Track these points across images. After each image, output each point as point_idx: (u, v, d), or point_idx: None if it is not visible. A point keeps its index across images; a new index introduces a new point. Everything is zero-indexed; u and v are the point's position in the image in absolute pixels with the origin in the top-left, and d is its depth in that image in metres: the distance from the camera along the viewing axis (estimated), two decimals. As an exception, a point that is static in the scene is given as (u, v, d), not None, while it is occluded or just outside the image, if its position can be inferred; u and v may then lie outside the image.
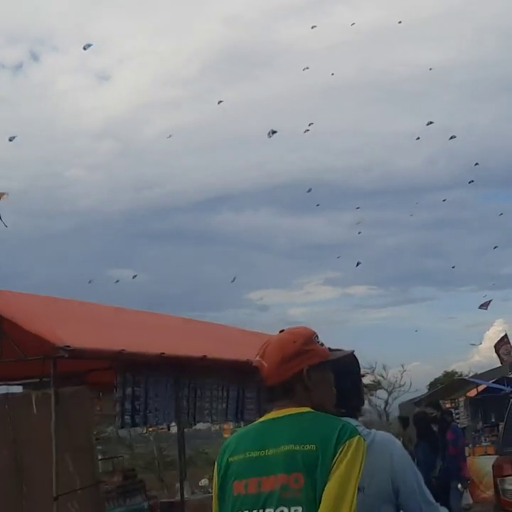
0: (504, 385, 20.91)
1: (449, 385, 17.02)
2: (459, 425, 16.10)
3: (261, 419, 2.32)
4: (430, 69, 31.86)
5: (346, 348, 2.79)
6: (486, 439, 17.34)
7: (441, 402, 17.19)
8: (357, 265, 26.02)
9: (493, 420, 18.73)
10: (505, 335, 31.60)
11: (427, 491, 2.59)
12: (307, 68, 23.80)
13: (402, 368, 36.91)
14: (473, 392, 19.38)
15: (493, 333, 29.73)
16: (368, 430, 2.57)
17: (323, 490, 2.03)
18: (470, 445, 17.01)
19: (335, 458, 2.06)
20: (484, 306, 25.06)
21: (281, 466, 2.10)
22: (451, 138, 23.88)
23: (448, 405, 17.27)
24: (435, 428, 10.89)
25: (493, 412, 18.94)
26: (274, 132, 17.85)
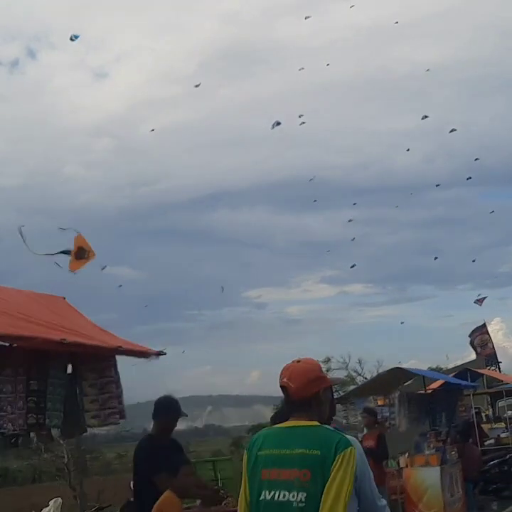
0: (466, 380, 17.33)
1: (386, 376, 13.21)
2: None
3: (282, 425, 3.43)
4: (427, 70, 35.24)
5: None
6: (429, 446, 13.62)
7: (373, 398, 13.46)
8: (352, 267, 27.94)
9: (441, 422, 15.07)
10: (484, 324, 29.13)
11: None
12: (303, 68, 25.16)
13: (378, 363, 34.78)
14: (437, 384, 15.80)
15: (491, 332, 28.33)
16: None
17: (324, 484, 3.14)
18: (406, 454, 13.35)
19: (334, 463, 3.17)
20: (479, 301, 25.94)
21: (295, 463, 3.22)
22: (451, 131, 24.00)
23: (380, 402, 13.52)
24: None
25: (444, 411, 15.22)
26: (278, 123, 18.03)
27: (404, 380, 14.35)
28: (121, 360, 8.15)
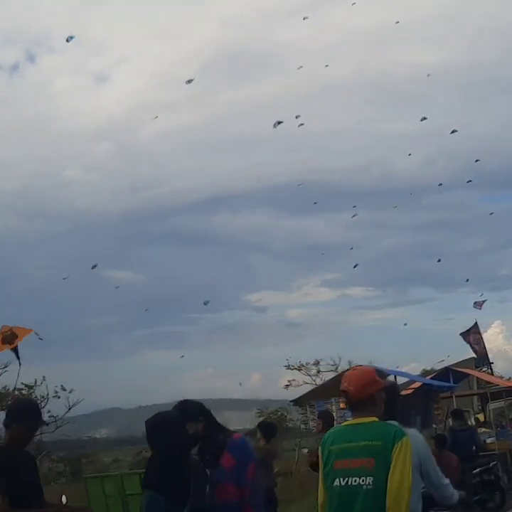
0: (448, 381, 15.91)
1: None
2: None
3: (347, 423, 4.20)
4: (428, 75, 35.97)
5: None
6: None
7: (335, 400, 12.01)
8: (354, 267, 28.49)
9: (416, 427, 13.48)
10: (476, 323, 28.17)
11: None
12: (301, 67, 25.28)
13: (370, 363, 33.99)
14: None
15: (491, 335, 28.46)
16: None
17: (386, 469, 3.79)
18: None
19: (393, 450, 3.82)
20: (478, 305, 26.06)
21: (361, 453, 3.88)
22: (452, 132, 24.83)
23: (343, 405, 12.03)
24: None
25: (419, 415, 13.73)
26: (279, 123, 18.33)
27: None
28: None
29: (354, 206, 39.54)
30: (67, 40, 17.66)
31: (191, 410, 5.23)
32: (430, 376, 17.23)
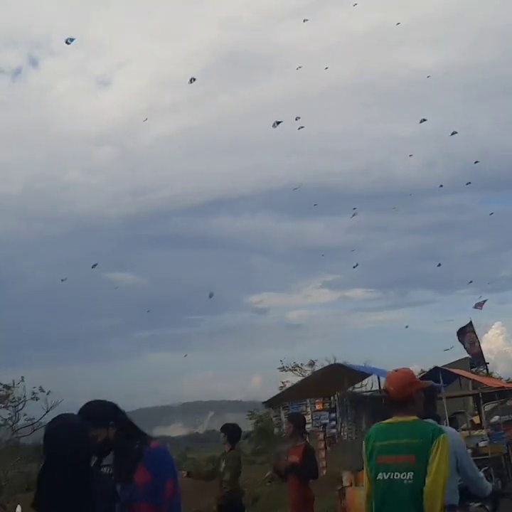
0: (437, 381, 15.03)
1: (325, 374, 10.88)
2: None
3: (389, 421, 4.37)
4: (428, 76, 37.35)
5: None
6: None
7: (310, 401, 11.18)
8: (354, 267, 28.12)
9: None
10: (470, 322, 27.60)
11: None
12: (300, 67, 25.13)
13: (365, 365, 33.12)
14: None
15: (492, 336, 27.95)
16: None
17: (426, 464, 4.07)
18: (351, 470, 11.05)
19: (432, 447, 4.10)
20: (479, 305, 25.66)
21: (402, 450, 4.15)
22: (453, 133, 24.37)
23: (319, 406, 11.20)
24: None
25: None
26: (278, 122, 18.43)
27: (349, 379, 12.02)
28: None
29: (354, 208, 39.14)
30: (67, 43, 17.59)
31: (99, 413, 4.31)
32: (418, 377, 16.36)
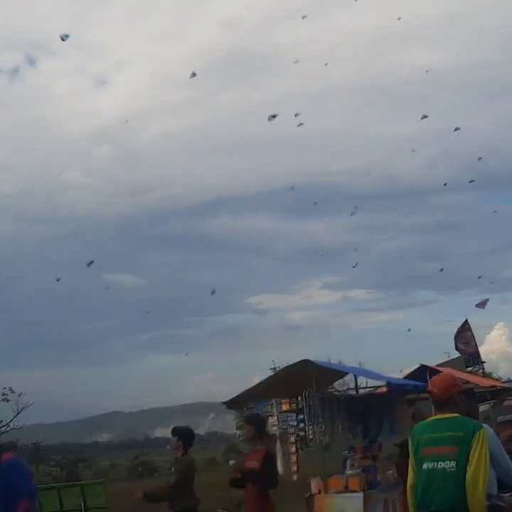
0: (424, 380, 14.06)
1: (293, 372, 9.92)
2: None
3: (433, 418, 4.90)
4: (427, 71, 33.41)
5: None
6: (352, 466, 10.33)
7: (276, 401, 10.22)
8: (354, 267, 28.02)
9: (381, 433, 11.73)
10: (466, 321, 27.21)
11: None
12: (297, 61, 26.85)
13: (359, 365, 33.19)
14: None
15: (494, 336, 27.28)
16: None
17: (467, 455, 4.55)
18: (320, 476, 10.10)
19: (473, 440, 4.58)
20: (481, 305, 25.07)
21: (446, 442, 4.64)
22: (455, 129, 23.88)
23: (286, 407, 10.22)
24: None
25: (384, 419, 11.88)
26: (274, 116, 18.24)
27: (323, 377, 11.00)
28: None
29: (355, 206, 38.52)
30: (62, 39, 17.17)
31: None
32: (404, 375, 15.32)
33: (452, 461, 4.59)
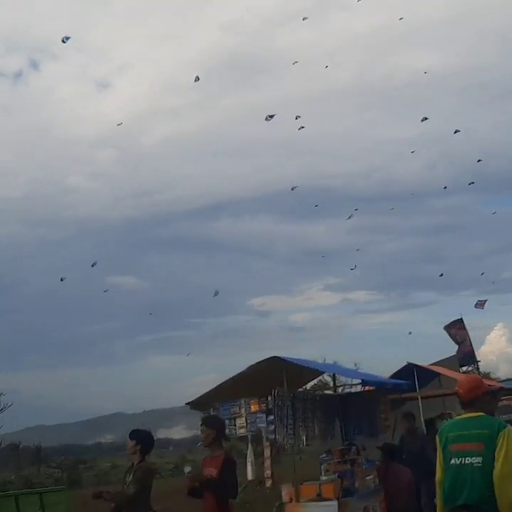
0: (411, 379, 13.40)
1: (262, 369, 9.17)
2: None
3: (460, 417, 5.26)
4: (425, 72, 34.51)
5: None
6: (327, 471, 9.57)
7: (245, 401, 9.49)
8: (352, 269, 27.02)
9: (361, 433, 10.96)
10: (461, 318, 26.77)
11: None
12: (297, 62, 25.12)
13: (355, 365, 31.80)
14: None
15: (494, 337, 27.09)
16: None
17: (493, 451, 4.88)
18: (292, 483, 9.31)
19: (498, 437, 4.90)
20: (480, 305, 25.11)
21: (473, 439, 4.98)
22: (455, 132, 24.65)
23: (255, 407, 9.45)
24: None
25: (365, 419, 11.10)
26: (271, 116, 18.50)
27: (298, 376, 10.22)
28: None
29: (356, 209, 37.98)
30: (63, 41, 17.65)
31: None
32: (390, 374, 14.54)
33: (479, 457, 4.96)
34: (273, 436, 9.31)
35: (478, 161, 28.60)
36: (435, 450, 13.34)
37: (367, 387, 11.02)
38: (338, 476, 9.55)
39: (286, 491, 9.40)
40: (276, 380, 9.35)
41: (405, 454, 11.51)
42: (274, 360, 9.21)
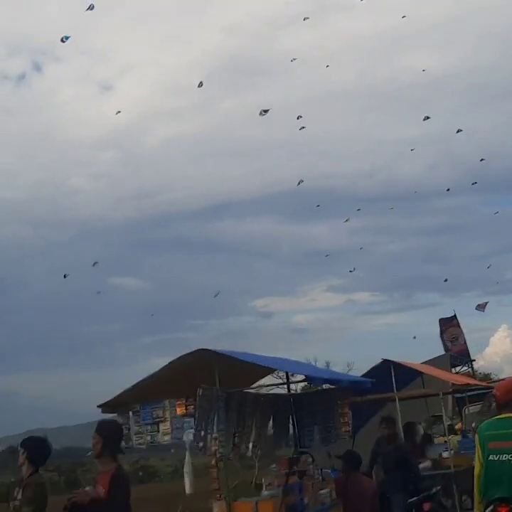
0: (388, 378, 12.02)
1: (190, 364, 7.70)
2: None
3: (497, 417, 5.51)
4: (423, 70, 40.11)
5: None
6: (269, 485, 8.10)
7: (169, 402, 8.03)
8: (351, 271, 28.51)
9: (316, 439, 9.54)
10: (454, 315, 25.86)
11: None
12: (295, 59, 24.12)
13: (348, 366, 32.94)
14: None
15: (498, 339, 26.80)
16: None
17: None
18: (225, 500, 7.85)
19: None
20: (481, 307, 25.05)
21: (509, 437, 5.27)
22: (458, 131, 24.31)
23: (180, 410, 7.98)
24: None
25: (317, 425, 9.63)
26: (265, 111, 18.40)
27: (242, 374, 8.72)
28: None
29: (358, 209, 36.92)
30: (62, 41, 17.28)
31: None
32: (363, 372, 13.05)
33: None
34: (197, 444, 7.81)
35: (481, 160, 27.36)
36: (417, 459, 12.13)
37: (326, 386, 9.55)
38: (283, 491, 8.06)
39: (218, 509, 7.91)
40: (205, 377, 7.88)
41: (381, 459, 10.17)
42: (201, 353, 7.73)
